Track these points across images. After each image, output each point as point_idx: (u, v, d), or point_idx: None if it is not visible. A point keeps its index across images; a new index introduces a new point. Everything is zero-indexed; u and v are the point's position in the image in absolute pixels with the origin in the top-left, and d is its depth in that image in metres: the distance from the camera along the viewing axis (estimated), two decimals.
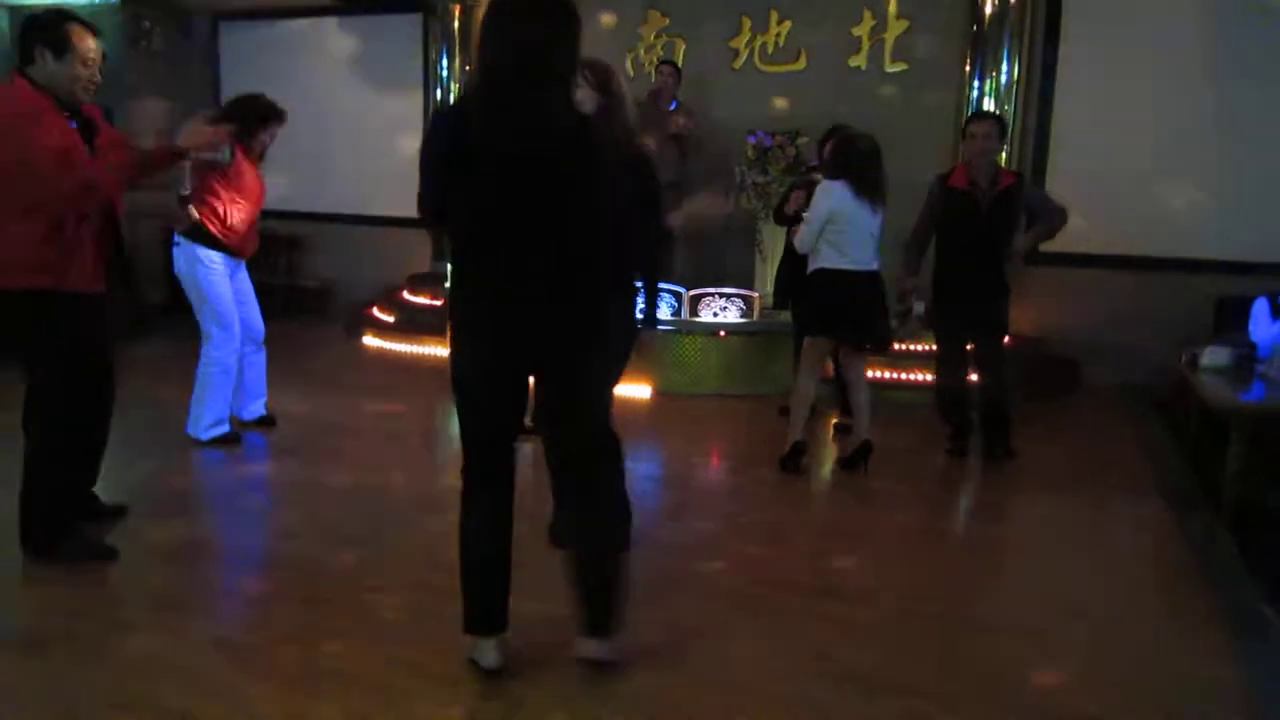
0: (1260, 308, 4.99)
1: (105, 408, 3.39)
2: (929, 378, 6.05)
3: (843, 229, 4.27)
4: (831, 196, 4.29)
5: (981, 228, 4.61)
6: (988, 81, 6.55)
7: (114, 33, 8.42)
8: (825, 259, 4.34)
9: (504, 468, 2.52)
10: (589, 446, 2.57)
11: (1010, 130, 6.57)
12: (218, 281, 4.54)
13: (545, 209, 2.34)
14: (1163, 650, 2.95)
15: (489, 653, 2.57)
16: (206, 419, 4.63)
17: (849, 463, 4.52)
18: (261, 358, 4.94)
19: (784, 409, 5.32)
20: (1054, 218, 4.63)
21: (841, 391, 5.06)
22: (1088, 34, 6.59)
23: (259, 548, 3.67)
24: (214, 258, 4.50)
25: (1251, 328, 5.00)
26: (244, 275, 4.75)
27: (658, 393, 5.99)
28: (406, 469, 4.51)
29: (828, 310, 4.41)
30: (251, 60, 8.83)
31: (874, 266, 4.39)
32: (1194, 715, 2.60)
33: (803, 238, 4.37)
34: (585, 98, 3.13)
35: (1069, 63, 6.64)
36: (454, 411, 2.54)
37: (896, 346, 6.25)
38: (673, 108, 6.71)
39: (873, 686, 2.65)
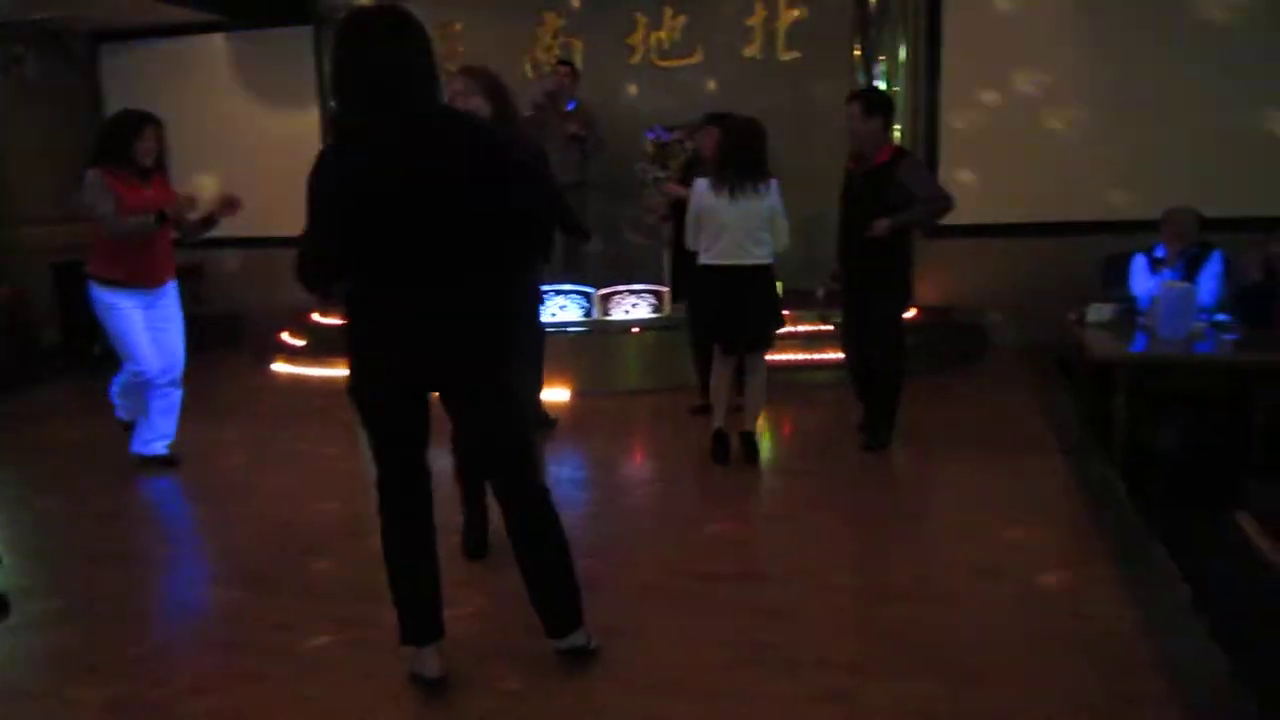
0: (1138, 264, 5.27)
1: None
2: (832, 356, 6.24)
3: (706, 224, 4.33)
4: (694, 195, 4.37)
5: (853, 205, 4.58)
6: (878, 64, 6.74)
7: None
8: (700, 256, 4.41)
9: (415, 477, 2.54)
10: (502, 463, 2.57)
11: (902, 108, 6.80)
12: (116, 319, 4.47)
13: (434, 230, 2.31)
14: (1065, 597, 3.13)
15: (429, 661, 2.58)
16: (154, 434, 4.74)
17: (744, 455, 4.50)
18: (174, 395, 4.78)
19: (695, 408, 5.41)
20: (931, 204, 4.44)
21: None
22: (970, 10, 6.83)
23: (167, 593, 3.57)
24: (107, 295, 4.44)
25: (1131, 283, 5.28)
26: (164, 305, 4.62)
27: (576, 393, 6.04)
28: (318, 497, 4.38)
29: (703, 308, 4.47)
30: (136, 81, 8.55)
31: (750, 261, 4.31)
32: (1097, 654, 2.76)
33: (686, 234, 4.47)
34: (477, 106, 3.18)
35: (954, 39, 6.87)
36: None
37: (809, 327, 6.45)
38: (571, 108, 6.74)
39: (796, 665, 2.73)
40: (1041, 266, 6.78)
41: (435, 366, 2.41)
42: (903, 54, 6.76)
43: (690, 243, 4.45)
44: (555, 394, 5.98)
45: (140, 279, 4.49)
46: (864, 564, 3.49)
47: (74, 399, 6.89)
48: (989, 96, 6.87)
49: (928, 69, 6.89)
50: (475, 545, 3.45)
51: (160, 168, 4.59)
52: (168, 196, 4.51)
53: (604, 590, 3.19)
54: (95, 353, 7.72)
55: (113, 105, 8.82)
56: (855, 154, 4.61)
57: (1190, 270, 5.09)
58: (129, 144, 4.39)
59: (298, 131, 8.20)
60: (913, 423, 5.14)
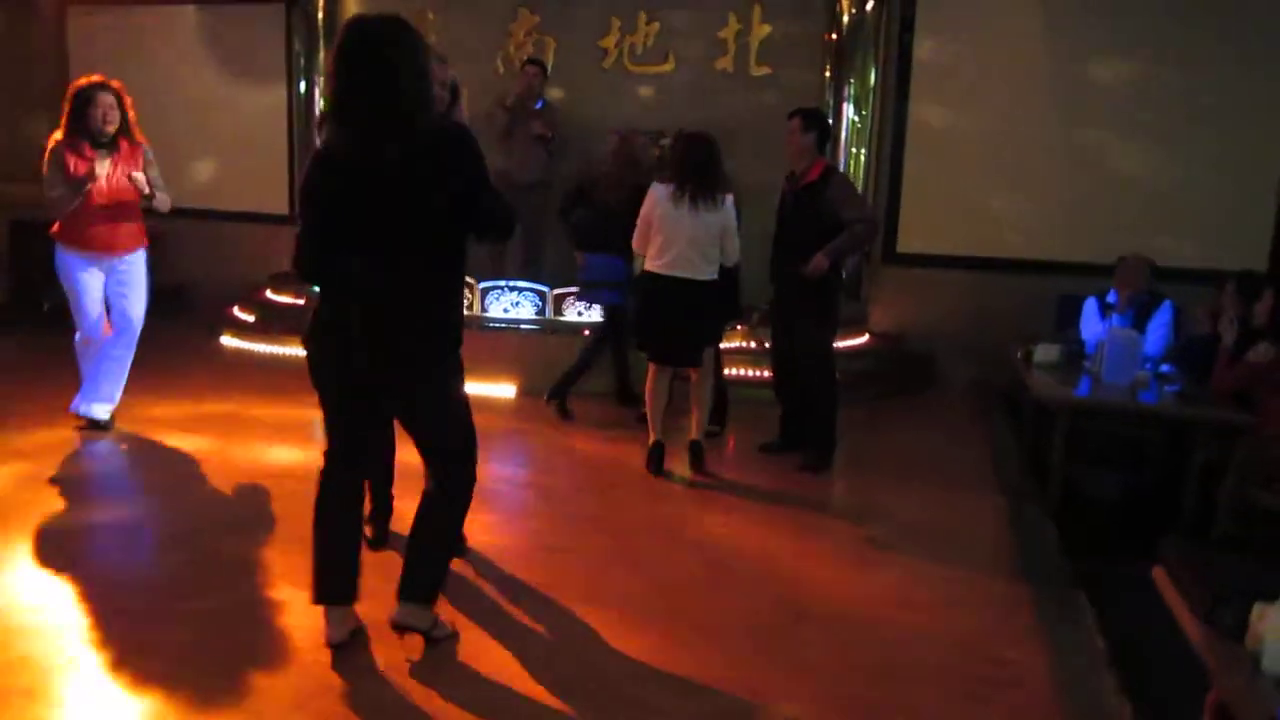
0: (1089, 307, 5.28)
1: None
2: None
3: (659, 231, 4.26)
4: (651, 199, 4.29)
5: (785, 224, 4.57)
6: (847, 86, 6.73)
7: None
8: (648, 261, 4.33)
9: (362, 454, 2.79)
10: (447, 448, 2.73)
11: (867, 132, 6.81)
12: (72, 282, 4.63)
13: (410, 230, 2.49)
14: (976, 637, 3.09)
15: (335, 628, 2.71)
16: (91, 395, 4.80)
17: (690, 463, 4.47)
18: (123, 359, 4.82)
19: (643, 415, 5.35)
20: (854, 228, 4.40)
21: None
22: (941, 42, 6.85)
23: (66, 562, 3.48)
24: (68, 258, 4.61)
25: (1082, 325, 5.28)
26: (125, 273, 4.70)
27: (522, 392, 5.95)
28: (232, 477, 4.34)
29: (645, 317, 4.40)
30: (102, 47, 8.37)
31: (697, 275, 4.27)
32: (1002, 700, 2.72)
33: (635, 237, 4.41)
34: (440, 97, 3.17)
35: (923, 69, 6.88)
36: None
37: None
38: (539, 106, 6.66)
39: (687, 681, 2.69)
40: (996, 301, 6.77)
41: (389, 361, 2.56)
42: (872, 79, 6.74)
43: (638, 245, 4.39)
44: (501, 390, 5.91)
45: (101, 246, 4.60)
46: (780, 584, 3.43)
47: (13, 354, 6.81)
48: (954, 127, 6.87)
49: (896, 95, 6.88)
50: (379, 535, 3.45)
51: (126, 135, 4.64)
52: (132, 165, 4.59)
53: (509, 590, 3.13)
54: (45, 309, 7.59)
55: (78, 68, 8.61)
56: (789, 173, 4.61)
57: (1140, 318, 5.10)
58: (84, 114, 4.50)
59: (264, 110, 8.06)
60: (852, 448, 5.12)
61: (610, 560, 3.59)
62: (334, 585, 2.72)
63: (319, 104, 7.63)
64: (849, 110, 6.75)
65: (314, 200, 2.52)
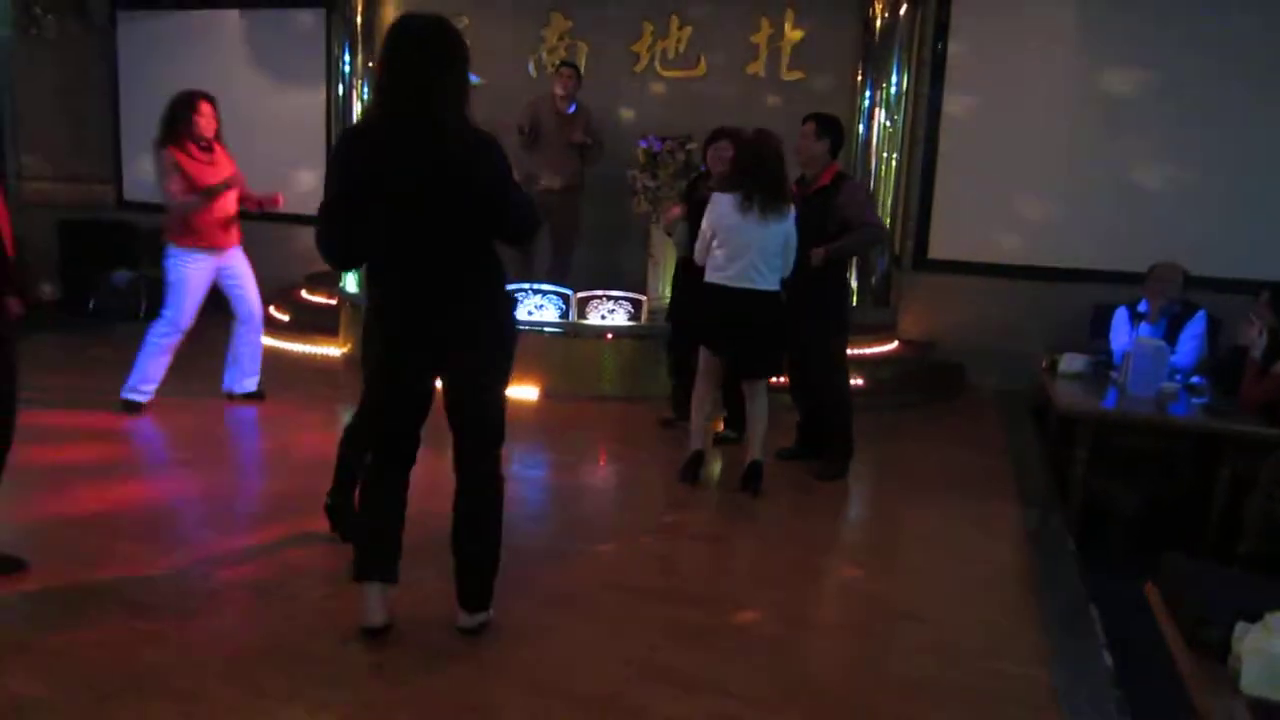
0: (1120, 316, 5.17)
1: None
2: None
3: (724, 242, 4.11)
4: (715, 210, 4.14)
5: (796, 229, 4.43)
6: (879, 91, 6.68)
7: (4, 20, 8.17)
8: (710, 272, 4.18)
9: (409, 451, 2.83)
10: (481, 437, 2.79)
11: (901, 136, 6.75)
12: (184, 274, 4.97)
13: (440, 227, 2.58)
14: (986, 652, 3.04)
15: (375, 609, 2.78)
16: (130, 381, 5.10)
17: (743, 482, 4.31)
18: (255, 338, 5.38)
19: (665, 420, 5.36)
20: (863, 232, 4.38)
21: (734, 400, 4.88)
22: (974, 47, 6.77)
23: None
24: (183, 255, 4.96)
25: (1111, 335, 5.18)
26: (235, 265, 5.14)
27: (545, 395, 5.99)
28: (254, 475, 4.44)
29: (707, 326, 4.28)
30: (150, 50, 8.62)
31: (763, 286, 4.14)
32: (1002, 713, 2.68)
33: (696, 249, 4.30)
34: None
35: (957, 74, 6.81)
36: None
37: None
38: (572, 110, 6.69)
39: (691, 687, 2.68)
40: (1028, 310, 6.68)
41: (432, 347, 2.68)
42: (905, 83, 6.68)
43: (699, 257, 4.25)
44: (522, 392, 5.95)
45: (216, 243, 5.02)
46: (789, 594, 3.41)
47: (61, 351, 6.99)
48: (987, 133, 6.78)
49: (929, 100, 6.81)
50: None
51: (219, 139, 5.06)
52: (229, 167, 5.06)
53: (524, 592, 3.16)
54: (91, 308, 7.84)
55: (127, 71, 8.90)
56: (799, 178, 4.54)
57: (1173, 328, 4.99)
58: (190, 121, 4.87)
59: (304, 113, 8.22)
60: (874, 455, 5.08)
61: (617, 562, 3.60)
62: (374, 562, 2.81)
63: (357, 107, 7.77)
64: (880, 115, 6.70)
65: (347, 173, 2.59)
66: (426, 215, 2.57)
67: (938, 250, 7.06)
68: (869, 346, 6.51)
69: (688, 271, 4.67)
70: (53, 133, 8.62)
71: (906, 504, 4.51)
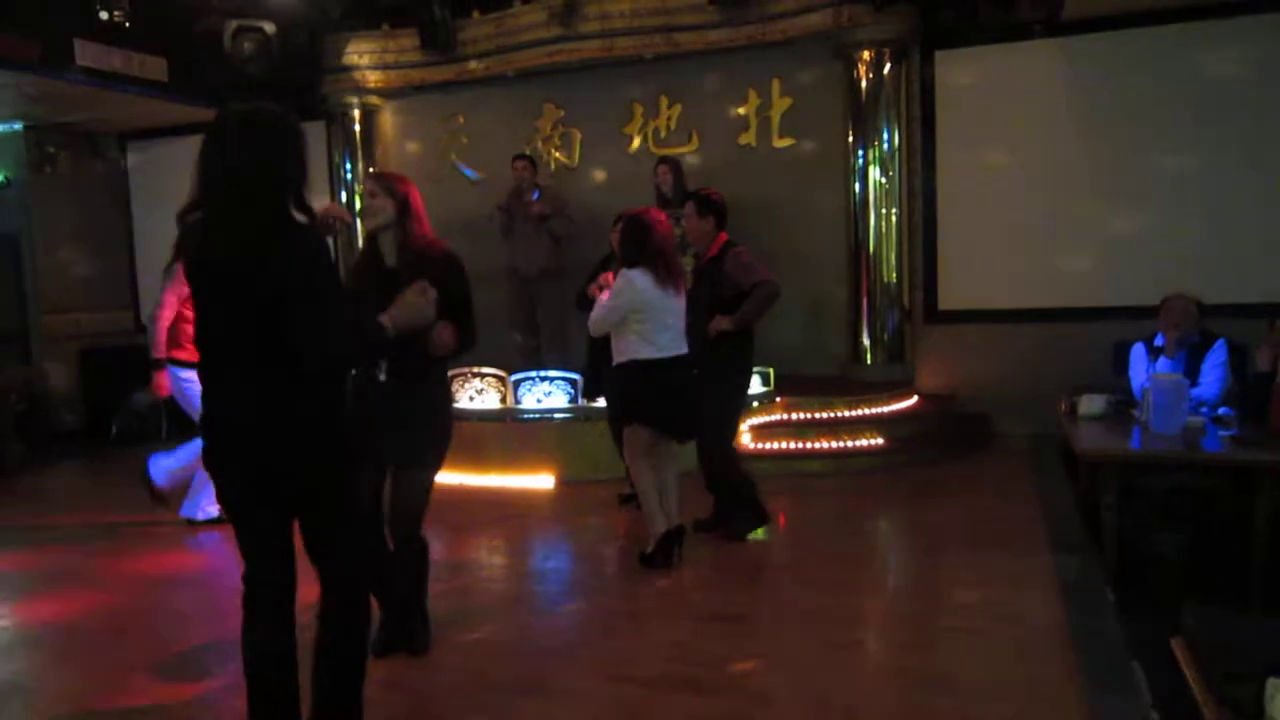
0: (1137, 352, 5.02)
1: None
2: (836, 445, 6.06)
3: (648, 319, 4.13)
4: (634, 286, 4.12)
5: (692, 297, 4.48)
6: (870, 150, 6.69)
7: (18, 158, 8.47)
8: (634, 350, 4.19)
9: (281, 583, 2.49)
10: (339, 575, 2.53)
11: (896, 193, 6.74)
12: (187, 392, 4.96)
13: (249, 323, 2.31)
14: (1022, 715, 2.87)
15: None
16: (202, 501, 5.12)
17: (649, 558, 4.27)
18: None
19: (625, 496, 5.26)
20: (757, 293, 4.50)
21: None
22: (964, 98, 6.80)
23: None
24: (182, 373, 4.93)
25: (1130, 372, 5.02)
26: None
27: (561, 482, 5.91)
28: None
29: (641, 403, 4.27)
30: (160, 176, 8.87)
31: (683, 351, 4.26)
32: None
33: (597, 321, 4.23)
34: (382, 206, 3.21)
35: (948, 126, 6.83)
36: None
37: (803, 415, 6.28)
38: (535, 196, 6.78)
39: None
40: (1049, 353, 6.54)
41: (254, 461, 2.38)
42: (896, 138, 6.70)
43: (601, 329, 4.25)
44: (538, 480, 5.88)
45: None
46: (809, 670, 3.25)
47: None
48: (986, 180, 6.76)
49: (923, 154, 6.81)
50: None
51: None
52: None
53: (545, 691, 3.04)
54: (112, 435, 7.91)
55: (139, 199, 9.16)
56: (695, 253, 4.75)
57: (1193, 360, 4.83)
58: None
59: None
60: (899, 516, 4.94)
61: (620, 628, 3.47)
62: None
63: (358, 209, 7.91)
64: (875, 172, 6.70)
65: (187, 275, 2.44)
66: (226, 309, 2.35)
67: (949, 301, 6.97)
68: (886, 404, 6.39)
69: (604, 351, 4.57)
70: (70, 264, 8.84)
71: (935, 564, 4.35)
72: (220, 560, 4.70)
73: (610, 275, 4.62)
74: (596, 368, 5.32)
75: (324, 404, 2.39)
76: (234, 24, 7.32)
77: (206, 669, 3.41)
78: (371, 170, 7.71)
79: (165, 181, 8.73)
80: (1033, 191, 6.67)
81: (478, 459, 5.83)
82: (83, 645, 3.71)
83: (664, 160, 6.73)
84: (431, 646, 3.44)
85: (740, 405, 4.86)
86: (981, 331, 6.83)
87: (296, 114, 2.70)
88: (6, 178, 8.50)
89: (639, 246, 4.16)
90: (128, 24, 6.95)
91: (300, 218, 2.41)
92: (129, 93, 7.41)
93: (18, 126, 8.39)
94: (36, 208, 8.55)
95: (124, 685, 3.29)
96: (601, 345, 4.50)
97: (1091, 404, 4.69)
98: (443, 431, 3.33)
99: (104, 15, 6.84)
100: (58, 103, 7.61)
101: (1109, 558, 4.10)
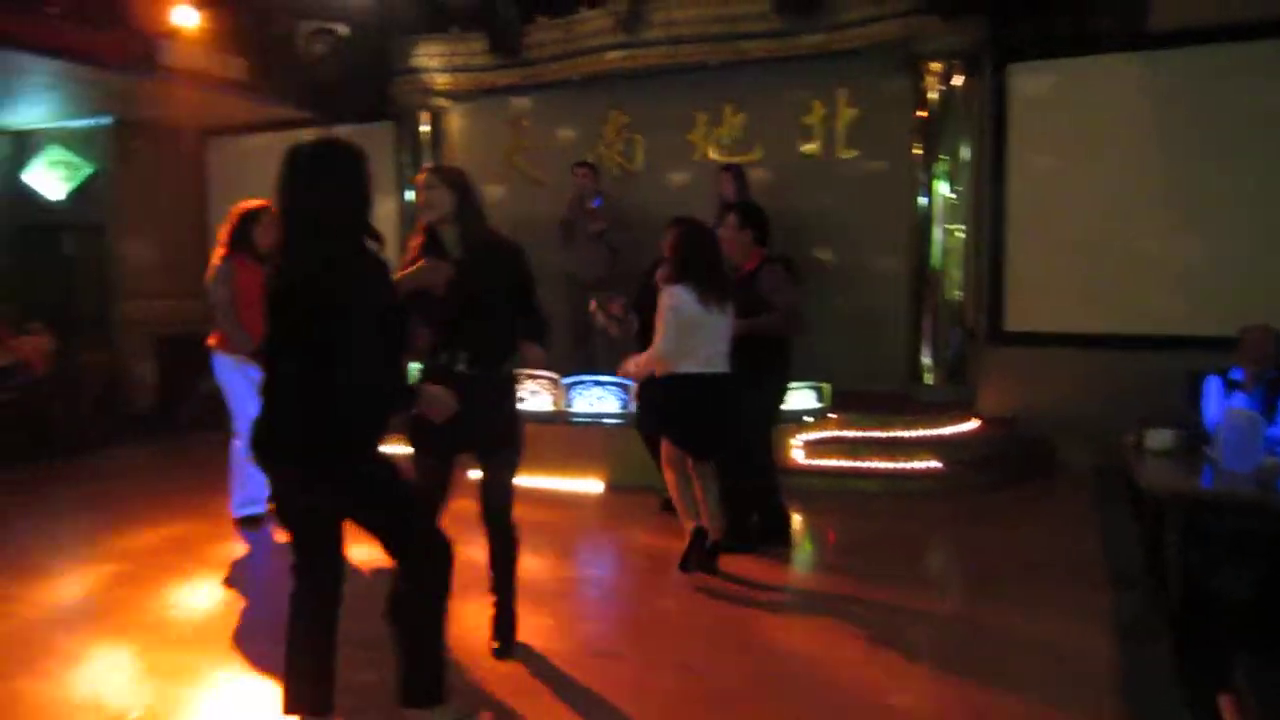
0: (1211, 386, 4.78)
1: None
2: (891, 465, 5.91)
3: (689, 334, 4.08)
4: (676, 303, 4.07)
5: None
6: (937, 164, 6.52)
7: (105, 151, 8.79)
8: (680, 363, 4.13)
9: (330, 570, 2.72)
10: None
11: (965, 208, 6.56)
12: (234, 383, 5.00)
13: (304, 344, 2.51)
14: None
15: None
16: (235, 499, 5.16)
17: (685, 562, 4.26)
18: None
19: (666, 501, 5.13)
20: (779, 316, 4.50)
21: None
22: (1038, 112, 6.58)
23: None
24: (229, 362, 5.00)
25: (1204, 406, 4.79)
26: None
27: (609, 487, 5.89)
28: None
29: (672, 417, 4.25)
30: (237, 171, 9.12)
31: (723, 369, 4.18)
32: None
33: (663, 351, 4.12)
34: (440, 199, 3.22)
35: (1020, 140, 6.61)
36: None
37: (856, 433, 6.15)
38: (596, 204, 6.78)
39: None
40: (1120, 381, 6.25)
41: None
42: (965, 153, 6.52)
43: (671, 356, 4.15)
44: (586, 485, 5.86)
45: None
46: (845, 692, 3.15)
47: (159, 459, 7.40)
48: (1058, 198, 6.53)
49: (992, 169, 6.61)
50: None
51: None
52: None
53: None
54: (184, 419, 8.16)
55: (216, 192, 9.43)
56: (732, 266, 4.62)
57: (1272, 396, 4.58)
58: (249, 233, 4.96)
59: (376, 219, 8.49)
60: (951, 544, 4.79)
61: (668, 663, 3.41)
62: (306, 695, 2.68)
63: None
64: (941, 187, 6.53)
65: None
66: (300, 329, 2.55)
67: (1015, 322, 6.75)
68: (945, 426, 6.21)
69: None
70: (149, 253, 9.14)
71: (985, 596, 4.19)
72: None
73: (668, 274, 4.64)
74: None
75: (372, 409, 2.58)
76: (309, 26, 7.47)
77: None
78: (428, 164, 7.80)
79: (242, 176, 9.01)
80: (1108, 211, 6.42)
81: (528, 460, 5.81)
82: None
83: (727, 168, 6.66)
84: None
85: (773, 417, 4.82)
86: (1048, 355, 6.59)
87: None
88: (95, 170, 8.83)
89: (684, 262, 4.13)
90: (209, 24, 7.14)
91: (370, 245, 2.59)
92: (210, 91, 7.63)
93: (108, 121, 8.71)
94: (120, 199, 8.87)
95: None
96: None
97: (1159, 438, 4.46)
98: (519, 418, 3.45)
99: (188, 17, 7.04)
100: (144, 99, 7.87)
101: (1170, 597, 3.89)
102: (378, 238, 2.61)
